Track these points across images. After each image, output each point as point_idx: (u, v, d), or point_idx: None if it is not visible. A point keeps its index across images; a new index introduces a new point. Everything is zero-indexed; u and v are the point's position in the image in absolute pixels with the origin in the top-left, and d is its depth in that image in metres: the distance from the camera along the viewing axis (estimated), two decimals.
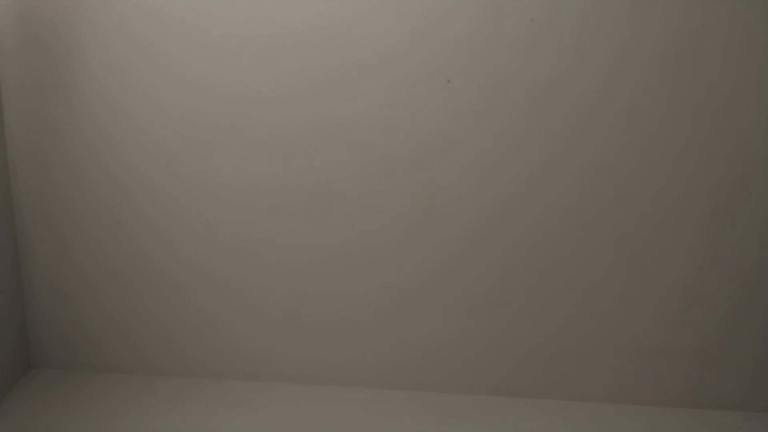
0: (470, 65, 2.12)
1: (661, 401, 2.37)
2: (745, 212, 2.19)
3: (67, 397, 2.36)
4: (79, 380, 2.44)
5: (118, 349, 2.47)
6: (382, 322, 2.38)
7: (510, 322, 2.34)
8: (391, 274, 2.33)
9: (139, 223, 2.32)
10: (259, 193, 2.27)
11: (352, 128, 2.19)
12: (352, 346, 2.41)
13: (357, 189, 2.25)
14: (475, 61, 2.11)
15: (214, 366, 2.46)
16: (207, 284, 2.37)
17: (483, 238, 2.27)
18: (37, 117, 2.25)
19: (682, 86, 2.09)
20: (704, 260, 2.24)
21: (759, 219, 2.19)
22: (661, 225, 2.22)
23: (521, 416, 2.32)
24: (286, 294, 2.37)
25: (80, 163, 2.28)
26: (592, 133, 2.16)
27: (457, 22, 2.08)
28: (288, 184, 2.26)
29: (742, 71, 2.07)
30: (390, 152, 2.21)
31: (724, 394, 2.34)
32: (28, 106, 2.24)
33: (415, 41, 2.11)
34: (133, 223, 2.33)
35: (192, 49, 2.16)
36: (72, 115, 2.24)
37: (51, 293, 2.42)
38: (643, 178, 2.18)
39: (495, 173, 2.21)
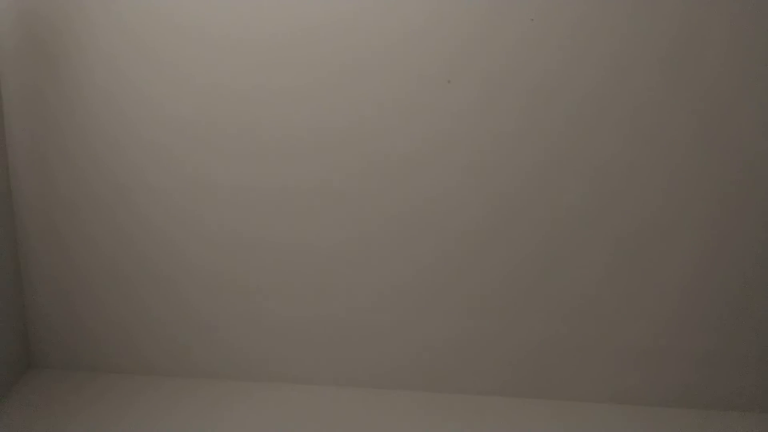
0: (470, 65, 2.12)
1: (661, 402, 2.37)
2: (745, 213, 2.19)
3: (67, 397, 2.36)
4: (79, 380, 2.44)
5: (118, 349, 2.47)
6: (382, 323, 2.38)
7: (510, 323, 2.34)
8: (392, 275, 2.33)
9: (139, 223, 2.32)
10: (259, 194, 2.27)
11: (352, 129, 2.19)
12: (352, 346, 2.41)
13: (357, 189, 2.25)
14: (475, 62, 2.11)
15: (214, 366, 2.46)
16: (207, 284, 2.37)
17: (483, 239, 2.27)
18: (37, 117, 2.25)
19: (682, 86, 2.09)
20: (705, 261, 2.24)
21: (760, 220, 2.19)
22: (661, 225, 2.22)
23: (521, 416, 2.32)
24: (286, 294, 2.37)
25: (80, 163, 2.28)
26: (592, 134, 2.15)
27: (457, 22, 2.08)
28: (288, 185, 2.26)
29: (743, 71, 2.07)
30: (390, 153, 2.21)
31: (724, 394, 2.34)
32: (28, 106, 2.24)
33: (415, 42, 2.11)
34: (133, 224, 2.33)
35: (192, 50, 2.16)
36: (72, 115, 2.24)
37: (51, 293, 2.42)
38: (644, 179, 2.18)
39: (495, 173, 2.21)
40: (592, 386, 2.38)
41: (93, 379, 2.45)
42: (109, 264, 2.38)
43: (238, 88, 2.18)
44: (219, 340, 2.44)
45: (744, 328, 2.28)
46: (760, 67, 2.06)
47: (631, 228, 2.23)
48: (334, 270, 2.33)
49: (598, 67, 2.09)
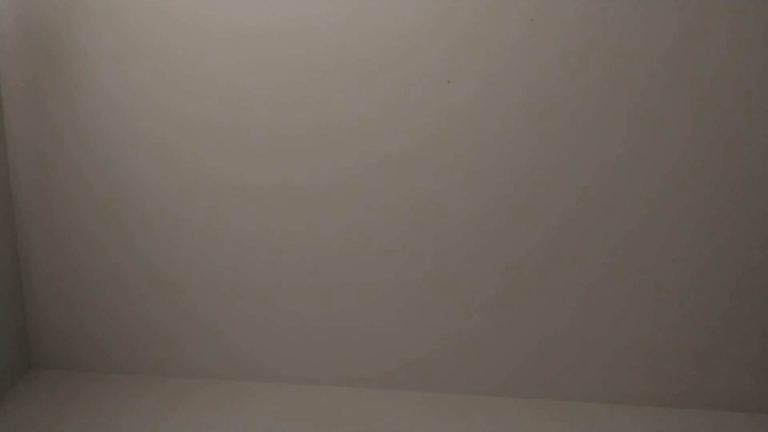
0: (470, 65, 2.12)
1: (660, 402, 2.37)
2: (744, 213, 2.19)
3: (67, 397, 2.36)
4: (79, 380, 2.44)
5: (118, 349, 2.47)
6: (382, 323, 2.38)
7: (510, 323, 2.34)
8: (392, 275, 2.33)
9: (139, 223, 2.32)
10: (259, 194, 2.27)
11: (351, 129, 2.19)
12: (352, 347, 2.41)
13: (357, 189, 2.25)
14: (475, 62, 2.11)
15: (214, 366, 2.46)
16: (207, 284, 2.37)
17: (483, 239, 2.27)
18: (37, 117, 2.25)
19: (682, 87, 2.09)
20: (704, 260, 2.24)
21: (759, 220, 2.19)
22: (661, 225, 2.22)
23: (521, 416, 2.32)
24: (286, 294, 2.37)
25: (80, 163, 2.28)
26: (592, 134, 2.15)
27: (457, 22, 2.08)
28: (288, 185, 2.26)
29: (742, 72, 2.07)
30: (390, 153, 2.21)
31: (724, 394, 2.34)
32: (28, 106, 2.24)
33: (415, 41, 2.11)
34: (133, 224, 2.33)
35: (192, 50, 2.16)
36: (72, 115, 2.24)
37: (51, 293, 2.42)
38: (643, 179, 2.18)
39: (495, 173, 2.21)
40: (592, 386, 2.38)
41: (93, 379, 2.45)
42: (109, 264, 2.38)
43: (237, 88, 2.18)
44: (219, 340, 2.44)
45: (744, 328, 2.28)
46: (759, 67, 2.06)
47: (631, 228, 2.23)
48: (334, 270, 2.33)
49: (598, 67, 2.09)
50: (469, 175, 2.22)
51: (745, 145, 2.13)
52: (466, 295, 2.33)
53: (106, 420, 2.26)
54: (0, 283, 2.30)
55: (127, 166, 2.27)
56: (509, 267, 2.29)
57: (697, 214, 2.20)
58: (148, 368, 2.47)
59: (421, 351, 2.40)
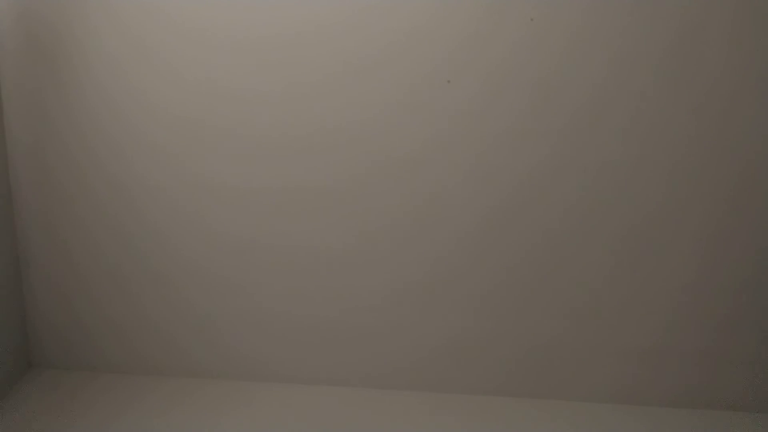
0: (470, 65, 2.12)
1: (661, 402, 2.37)
2: (745, 213, 2.18)
3: (67, 397, 2.36)
4: (79, 380, 2.44)
5: (118, 349, 2.47)
6: (383, 323, 2.38)
7: (510, 323, 2.34)
8: (392, 275, 2.33)
9: (139, 223, 2.32)
10: (259, 195, 2.27)
11: (351, 129, 2.19)
12: (353, 347, 2.41)
13: (357, 190, 2.25)
14: (475, 62, 2.11)
15: (214, 366, 2.46)
16: (206, 285, 2.37)
17: (484, 239, 2.27)
18: (37, 117, 2.25)
19: (682, 86, 2.09)
20: (705, 261, 2.24)
21: (759, 220, 2.18)
22: (662, 226, 2.22)
23: (522, 417, 2.32)
24: (286, 295, 2.37)
25: (80, 163, 2.28)
26: (592, 134, 2.15)
27: (457, 22, 2.08)
28: (287, 185, 2.26)
29: (743, 71, 2.07)
30: (390, 153, 2.21)
31: (724, 394, 2.34)
32: (28, 107, 2.24)
33: (415, 41, 2.11)
34: (132, 224, 2.33)
35: (192, 51, 2.16)
36: (72, 115, 2.24)
37: (51, 293, 2.42)
38: (644, 179, 2.18)
39: (495, 174, 2.21)
40: (592, 386, 2.38)
41: (93, 379, 2.45)
42: (109, 264, 2.38)
43: (238, 88, 2.18)
44: (219, 340, 2.44)
45: (744, 328, 2.28)
46: (760, 67, 2.06)
47: (631, 228, 2.23)
48: (333, 270, 2.33)
49: (598, 66, 2.09)
50: (469, 175, 2.22)
51: (745, 145, 2.13)
52: (466, 295, 2.33)
53: (106, 420, 2.26)
54: (0, 283, 2.30)
55: (126, 166, 2.27)
56: (510, 267, 2.29)
57: (699, 214, 2.20)
58: (147, 368, 2.47)
59: (421, 351, 2.40)
